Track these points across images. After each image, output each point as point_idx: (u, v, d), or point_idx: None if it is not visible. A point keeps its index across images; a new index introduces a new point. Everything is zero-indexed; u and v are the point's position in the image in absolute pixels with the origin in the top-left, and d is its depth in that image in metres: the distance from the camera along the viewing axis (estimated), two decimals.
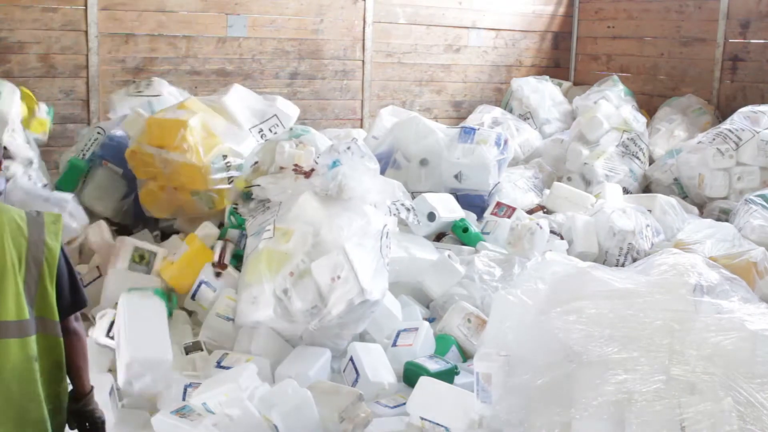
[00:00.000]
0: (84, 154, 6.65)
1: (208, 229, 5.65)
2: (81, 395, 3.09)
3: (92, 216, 6.50)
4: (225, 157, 6.05)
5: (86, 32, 7.86)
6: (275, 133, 6.51)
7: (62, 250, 2.95)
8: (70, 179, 6.50)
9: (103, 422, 3.15)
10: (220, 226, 6.05)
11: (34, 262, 2.82)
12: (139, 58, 8.16)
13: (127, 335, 4.37)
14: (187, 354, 4.85)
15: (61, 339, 2.94)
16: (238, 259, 5.58)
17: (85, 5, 7.79)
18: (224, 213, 5.85)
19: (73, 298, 3.01)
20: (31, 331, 2.82)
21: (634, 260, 6.06)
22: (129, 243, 5.50)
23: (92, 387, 3.14)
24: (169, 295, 5.05)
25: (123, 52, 8.07)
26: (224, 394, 4.10)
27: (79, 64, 7.90)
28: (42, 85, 7.74)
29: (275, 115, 6.59)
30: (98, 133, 6.80)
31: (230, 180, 6.04)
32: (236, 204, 5.78)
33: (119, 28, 8.04)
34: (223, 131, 6.18)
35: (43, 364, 2.87)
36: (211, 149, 6.01)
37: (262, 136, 6.39)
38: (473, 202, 6.78)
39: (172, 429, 4.05)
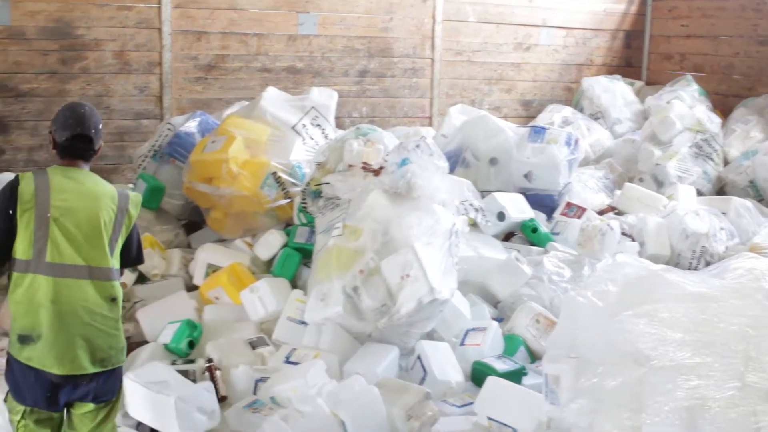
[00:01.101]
0: (155, 152, 6.76)
1: (272, 238, 5.85)
2: None
3: (159, 213, 6.62)
4: (275, 174, 6.09)
5: (160, 30, 7.98)
6: (319, 125, 6.53)
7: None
8: (153, 199, 6.56)
9: None
10: (288, 225, 6.12)
11: (118, 225, 3.64)
12: (211, 55, 8.26)
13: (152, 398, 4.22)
14: (253, 349, 4.92)
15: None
16: (306, 255, 5.64)
17: (159, 3, 7.91)
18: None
19: (137, 256, 3.89)
20: (113, 277, 3.61)
21: (708, 264, 5.96)
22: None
23: None
24: (194, 324, 5.13)
25: (195, 50, 8.18)
26: (292, 390, 4.15)
27: (152, 61, 8.03)
28: (117, 82, 7.89)
29: (313, 107, 6.61)
30: (168, 129, 6.91)
31: (287, 194, 6.08)
32: (305, 202, 5.83)
33: (192, 26, 8.14)
34: (267, 146, 6.22)
35: (117, 304, 3.64)
36: (258, 172, 6.06)
37: (307, 132, 6.42)
38: (543, 202, 6.71)
39: (245, 422, 4.12)
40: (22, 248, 3.46)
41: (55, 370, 3.46)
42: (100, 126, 3.75)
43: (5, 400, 3.68)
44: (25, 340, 3.47)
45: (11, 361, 3.55)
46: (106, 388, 3.63)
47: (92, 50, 7.75)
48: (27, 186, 3.49)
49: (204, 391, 4.27)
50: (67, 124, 3.64)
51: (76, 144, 3.64)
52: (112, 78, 7.88)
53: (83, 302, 3.51)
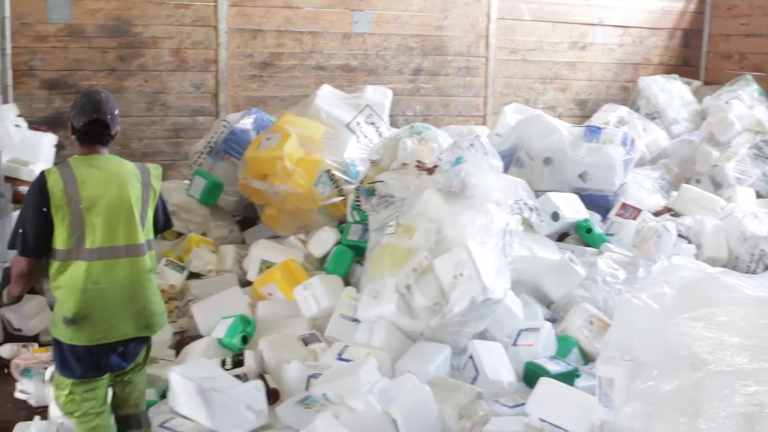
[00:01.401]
0: (210, 149, 6.83)
1: (325, 235, 5.88)
2: None
3: (214, 209, 6.69)
4: (329, 171, 6.11)
5: (216, 28, 8.06)
6: (373, 123, 6.54)
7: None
8: (211, 196, 6.64)
9: None
10: (341, 222, 6.14)
11: (144, 201, 3.85)
12: (267, 53, 8.32)
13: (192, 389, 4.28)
14: (306, 345, 4.94)
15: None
16: (359, 253, 5.65)
17: (216, 2, 7.99)
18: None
19: (166, 222, 4.13)
20: (146, 251, 3.84)
21: (767, 268, 5.85)
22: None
23: None
24: (248, 320, 5.17)
25: (251, 48, 8.25)
26: (344, 386, 4.16)
27: (209, 59, 8.11)
28: (174, 79, 7.98)
29: (367, 105, 6.61)
30: (224, 126, 6.97)
31: (341, 192, 6.10)
32: (358, 200, 5.85)
33: (248, 24, 8.21)
34: (321, 144, 6.25)
35: (153, 274, 3.92)
36: (312, 169, 6.09)
37: (361, 130, 6.43)
38: (598, 203, 6.64)
39: (297, 418, 4.15)
40: (61, 240, 3.66)
41: (105, 340, 3.74)
42: (116, 112, 3.93)
43: (51, 380, 3.93)
44: (71, 322, 3.69)
45: (57, 341, 3.76)
46: (139, 349, 3.95)
47: (150, 48, 7.85)
48: (55, 183, 3.66)
49: (254, 389, 4.29)
50: (84, 110, 3.82)
51: (94, 129, 3.82)
52: (169, 75, 7.98)
53: (124, 279, 3.76)
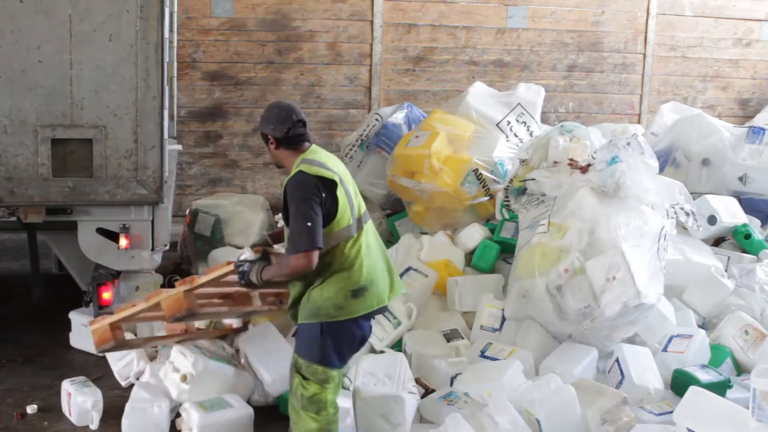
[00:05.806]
0: (362, 142, 6.93)
1: (474, 230, 5.86)
2: None
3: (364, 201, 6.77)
4: (476, 171, 6.07)
5: (371, 22, 8.18)
6: (524, 122, 6.45)
7: None
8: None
9: None
10: (488, 221, 6.11)
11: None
12: (420, 47, 8.38)
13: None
14: (448, 341, 4.95)
15: None
16: (506, 250, 5.61)
17: None
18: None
19: None
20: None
21: None
22: None
23: None
24: None
25: (405, 42, 8.32)
26: (487, 391, 4.15)
27: (363, 53, 8.24)
28: (328, 72, 8.15)
29: (519, 103, 6.51)
30: (376, 120, 7.05)
31: (488, 192, 6.05)
32: (507, 199, 5.81)
33: (403, 18, 8.29)
34: (470, 143, 6.19)
35: None
36: (460, 168, 6.06)
37: (511, 129, 6.35)
38: (758, 207, 6.38)
39: (438, 413, 4.18)
40: (345, 217, 3.85)
41: (380, 303, 3.91)
42: None
43: (301, 375, 3.84)
44: (359, 293, 3.82)
45: (334, 327, 3.79)
46: None
47: (307, 41, 8.05)
48: (317, 170, 3.82)
49: (392, 401, 4.22)
50: (282, 118, 3.95)
51: (299, 129, 3.97)
52: (324, 68, 8.16)
53: (376, 240, 4.04)
